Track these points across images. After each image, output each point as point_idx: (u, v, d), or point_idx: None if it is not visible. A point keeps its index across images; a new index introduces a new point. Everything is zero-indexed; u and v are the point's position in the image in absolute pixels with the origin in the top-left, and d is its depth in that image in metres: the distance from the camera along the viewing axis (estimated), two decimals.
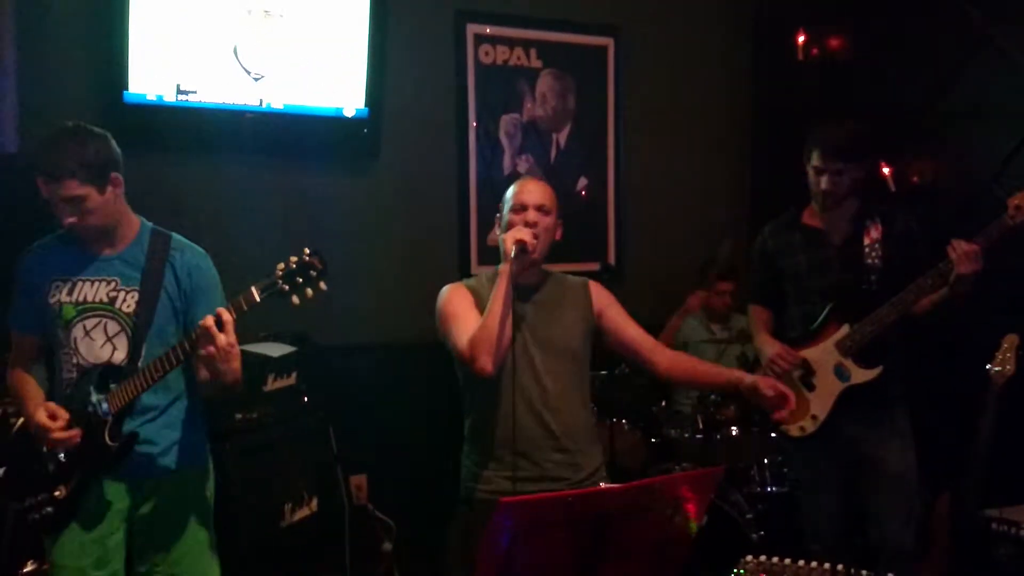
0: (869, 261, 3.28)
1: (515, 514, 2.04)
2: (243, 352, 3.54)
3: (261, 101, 3.97)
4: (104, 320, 2.63)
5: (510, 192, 2.90)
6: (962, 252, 3.06)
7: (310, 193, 4.25)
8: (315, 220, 4.24)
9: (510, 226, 2.82)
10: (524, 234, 2.73)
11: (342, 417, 3.92)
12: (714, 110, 5.26)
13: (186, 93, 3.81)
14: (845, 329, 3.29)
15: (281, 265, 2.48)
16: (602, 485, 2.78)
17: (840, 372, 3.31)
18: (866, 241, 3.30)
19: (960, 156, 4.38)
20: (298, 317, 3.96)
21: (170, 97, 3.78)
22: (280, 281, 2.46)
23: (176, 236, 2.77)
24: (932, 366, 3.81)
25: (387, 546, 4.25)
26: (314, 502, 3.69)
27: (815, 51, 4.98)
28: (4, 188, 2.61)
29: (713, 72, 5.25)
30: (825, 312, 3.33)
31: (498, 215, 2.92)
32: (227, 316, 2.41)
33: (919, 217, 3.40)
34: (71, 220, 2.55)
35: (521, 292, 2.80)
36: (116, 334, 2.64)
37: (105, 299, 2.64)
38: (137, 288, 2.65)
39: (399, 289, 4.42)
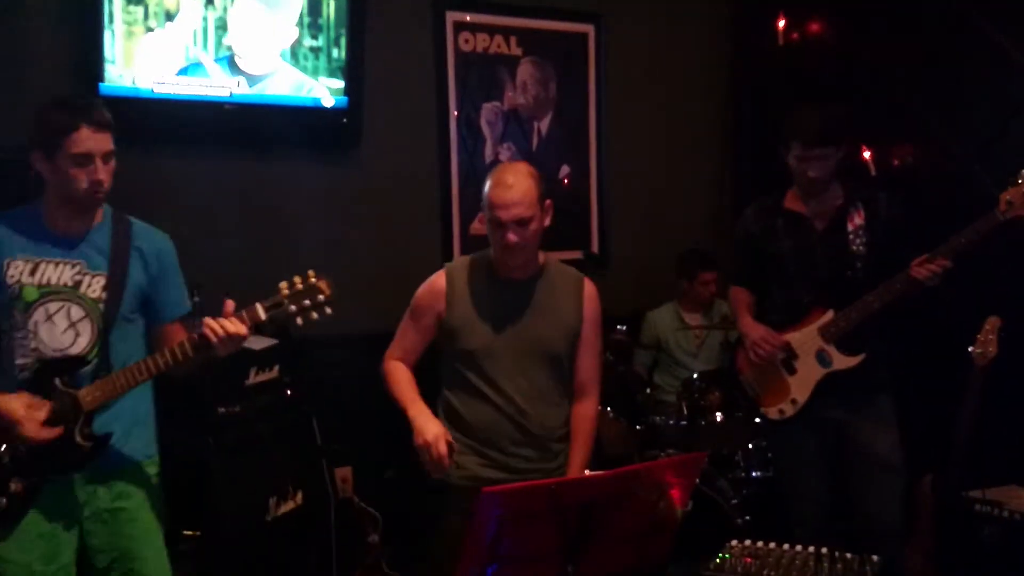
0: (853, 248, 3.28)
1: (499, 503, 2.03)
2: None
3: (239, 92, 3.93)
4: (68, 305, 2.53)
5: (485, 193, 2.71)
6: (927, 274, 3.08)
7: (290, 184, 4.22)
8: (295, 211, 4.21)
9: (489, 234, 2.73)
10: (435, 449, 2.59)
11: (326, 409, 3.90)
12: (695, 95, 5.26)
13: (163, 84, 3.77)
14: (829, 315, 3.29)
15: (284, 284, 2.47)
16: (587, 472, 2.79)
17: (822, 358, 3.31)
18: (850, 227, 3.29)
19: (942, 139, 4.39)
20: None
21: (147, 89, 3.74)
22: (287, 302, 2.45)
23: (136, 220, 2.68)
24: (915, 348, 3.82)
25: (373, 538, 4.24)
26: (299, 495, 3.68)
27: (795, 36, 4.98)
28: None
29: (694, 58, 5.24)
30: (810, 297, 3.33)
31: (482, 204, 2.79)
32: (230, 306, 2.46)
33: (902, 202, 3.40)
34: (101, 177, 2.48)
35: (513, 286, 2.76)
36: (80, 319, 2.54)
37: (70, 283, 2.54)
38: (104, 273, 2.56)
39: (382, 279, 4.39)
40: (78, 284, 2.54)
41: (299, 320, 2.46)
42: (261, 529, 3.50)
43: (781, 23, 5.00)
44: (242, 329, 2.44)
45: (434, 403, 2.89)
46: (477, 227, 4.62)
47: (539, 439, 2.78)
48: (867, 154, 4.49)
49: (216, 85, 3.88)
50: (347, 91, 4.18)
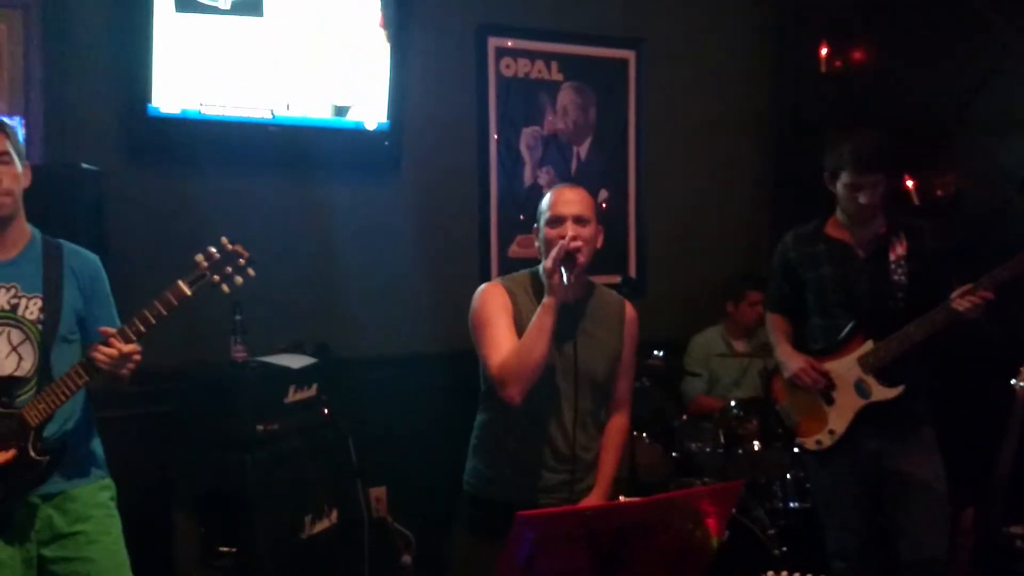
0: (895, 277, 3.24)
1: (533, 527, 2.03)
2: (265, 364, 3.61)
3: (284, 114, 3.99)
4: (7, 329, 2.52)
5: (545, 203, 2.74)
6: (969, 306, 3.04)
7: (332, 206, 4.27)
8: (337, 233, 4.25)
9: (547, 243, 2.68)
10: (572, 244, 2.60)
11: (362, 429, 3.92)
12: (736, 123, 5.25)
13: (210, 107, 3.83)
14: (869, 345, 3.26)
15: (200, 256, 2.51)
16: (621, 499, 2.78)
17: (861, 388, 3.27)
18: (892, 257, 3.26)
19: (985, 167, 4.35)
20: (319, 328, 4.02)
21: (194, 111, 3.81)
22: (209, 272, 2.49)
23: (66, 242, 2.66)
24: (956, 381, 3.77)
25: (406, 559, 4.24)
26: (334, 514, 3.70)
27: (838, 63, 4.96)
28: (29, 197, 2.61)
29: (735, 84, 5.23)
30: (850, 327, 3.30)
31: (535, 226, 2.79)
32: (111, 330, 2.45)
33: (945, 232, 3.36)
34: (7, 184, 2.48)
35: (562, 308, 2.64)
36: (21, 343, 2.53)
37: (6, 306, 2.52)
38: (40, 295, 2.55)
39: (420, 301, 4.42)
40: (15, 307, 2.53)
41: (225, 287, 2.50)
42: (296, 547, 3.51)
43: (824, 50, 4.98)
44: (124, 348, 2.42)
45: (467, 423, 2.89)
46: (516, 250, 4.63)
47: (574, 463, 2.75)
48: (910, 183, 4.45)
49: (260, 107, 3.94)
50: (389, 115, 4.23)
